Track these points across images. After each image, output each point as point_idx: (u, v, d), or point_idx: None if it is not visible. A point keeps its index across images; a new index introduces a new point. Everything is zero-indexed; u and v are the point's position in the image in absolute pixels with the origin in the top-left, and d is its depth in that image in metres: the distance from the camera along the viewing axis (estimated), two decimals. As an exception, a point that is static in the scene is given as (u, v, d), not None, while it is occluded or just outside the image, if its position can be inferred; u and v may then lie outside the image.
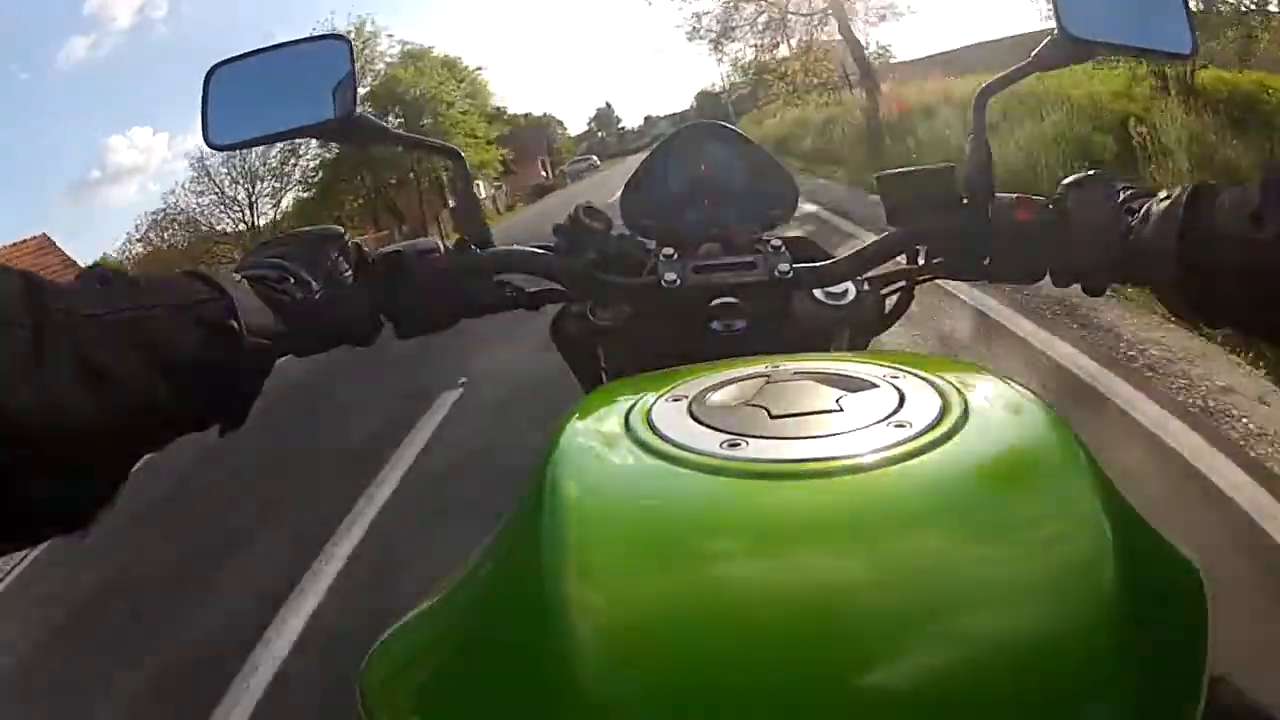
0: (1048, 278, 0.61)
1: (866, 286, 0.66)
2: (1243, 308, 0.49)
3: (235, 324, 0.46)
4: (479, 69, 27.47)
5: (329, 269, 0.56)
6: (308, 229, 0.60)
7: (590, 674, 0.29)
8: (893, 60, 16.59)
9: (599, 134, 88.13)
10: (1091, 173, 0.59)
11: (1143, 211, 0.54)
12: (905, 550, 0.31)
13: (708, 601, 0.30)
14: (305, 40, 0.72)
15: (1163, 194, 0.54)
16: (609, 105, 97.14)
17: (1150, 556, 0.37)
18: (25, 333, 0.36)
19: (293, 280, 0.53)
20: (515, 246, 0.64)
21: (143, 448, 0.42)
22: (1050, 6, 0.61)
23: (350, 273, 0.57)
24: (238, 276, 0.51)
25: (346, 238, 0.60)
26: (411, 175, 23.27)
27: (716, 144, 0.73)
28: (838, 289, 0.64)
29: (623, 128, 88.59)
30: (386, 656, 0.41)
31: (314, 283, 0.54)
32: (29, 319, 0.37)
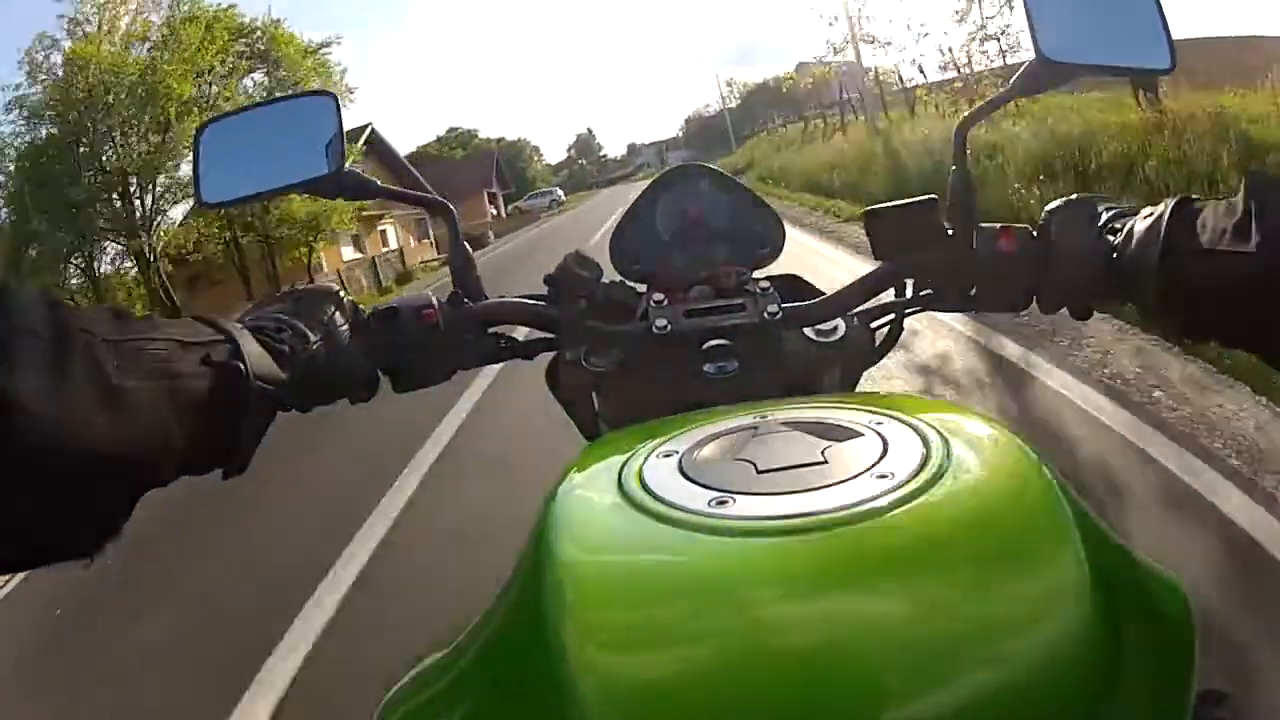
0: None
1: (855, 322, 0.66)
2: (1229, 323, 0.49)
3: (242, 366, 0.46)
4: (325, 44, 17.99)
5: (326, 325, 0.56)
6: (304, 287, 0.60)
7: None
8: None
9: (579, 161, 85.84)
10: (1074, 197, 0.60)
11: (1126, 231, 0.54)
12: (890, 602, 0.32)
13: (700, 656, 0.32)
14: (292, 96, 0.73)
15: (1146, 212, 0.54)
16: (590, 132, 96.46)
17: (1135, 584, 0.38)
18: (47, 345, 0.36)
19: (292, 333, 0.54)
20: (507, 298, 0.65)
21: (149, 481, 0.42)
22: (1028, 31, 0.61)
23: (346, 329, 0.58)
24: (239, 326, 0.52)
25: (343, 295, 0.60)
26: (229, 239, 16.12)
27: (703, 186, 0.74)
28: (827, 326, 0.65)
29: (604, 155, 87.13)
30: (401, 706, 0.43)
31: (312, 336, 0.55)
32: (50, 331, 0.37)
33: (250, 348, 0.48)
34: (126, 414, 0.39)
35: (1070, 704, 0.30)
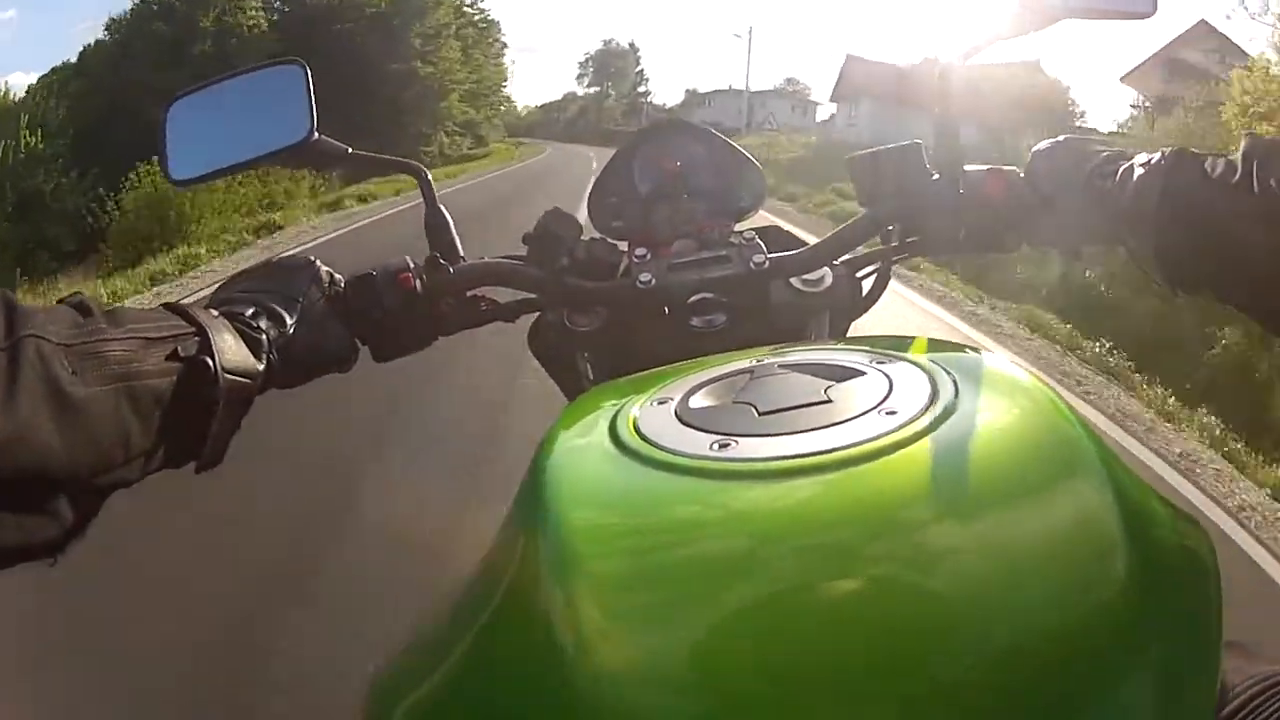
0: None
1: (843, 270, 0.65)
2: (1220, 278, 0.49)
3: (210, 361, 0.45)
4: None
5: (302, 302, 0.55)
6: (279, 259, 0.59)
7: (607, 695, 0.28)
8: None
9: (603, 87, 54.78)
10: (1062, 138, 0.59)
11: (1119, 174, 0.53)
12: (909, 540, 0.31)
13: (713, 605, 0.30)
14: (260, 67, 0.71)
15: (1142, 158, 0.53)
16: (631, 46, 57.27)
17: (1159, 525, 0.36)
18: (1, 356, 0.35)
19: (267, 316, 0.53)
20: (485, 260, 0.63)
21: (113, 483, 0.41)
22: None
23: (323, 302, 0.57)
24: (215, 312, 0.50)
25: (318, 264, 0.59)
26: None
27: (682, 140, 0.73)
28: (814, 276, 0.64)
29: (646, 93, 55.42)
30: (392, 681, 0.40)
31: (288, 316, 0.54)
32: (4, 342, 0.36)
33: (222, 339, 0.46)
34: (81, 424, 0.38)
35: (1097, 651, 0.29)
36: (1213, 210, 0.47)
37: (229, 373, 0.46)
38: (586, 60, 58.05)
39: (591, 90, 57.60)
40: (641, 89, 57.30)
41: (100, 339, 0.41)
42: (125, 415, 0.40)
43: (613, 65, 56.75)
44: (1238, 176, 0.46)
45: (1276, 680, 0.44)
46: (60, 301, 0.43)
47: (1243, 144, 0.47)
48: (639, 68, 58.04)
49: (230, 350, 0.47)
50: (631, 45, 58.10)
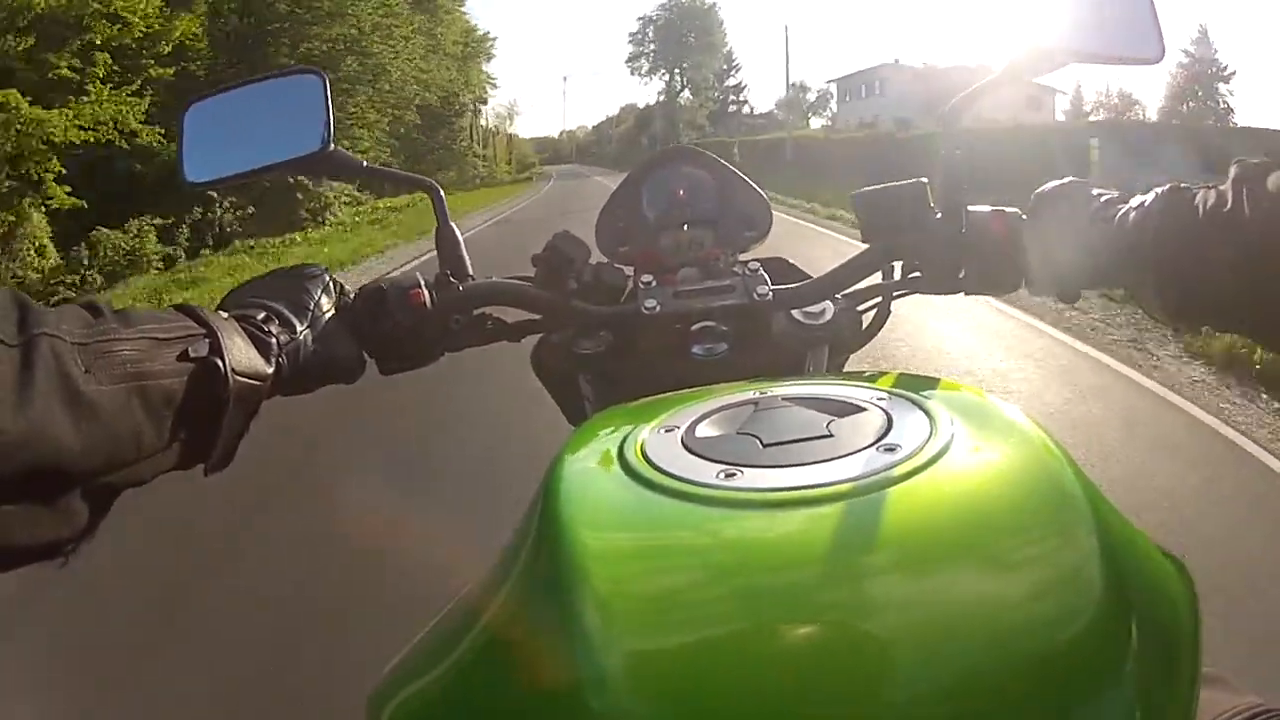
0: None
1: (844, 304, 0.67)
2: (1223, 306, 0.49)
3: (220, 362, 0.45)
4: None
5: (312, 310, 0.56)
6: (290, 267, 0.60)
7: (611, 716, 0.29)
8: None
9: (672, 76, 33.79)
10: (1065, 181, 0.60)
11: (1118, 217, 0.55)
12: (903, 573, 0.32)
13: (719, 630, 0.31)
14: (279, 74, 0.72)
15: (1137, 199, 0.54)
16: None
17: (1142, 564, 0.38)
18: (14, 353, 0.36)
19: (278, 321, 0.53)
20: (494, 279, 0.64)
21: (125, 481, 0.41)
22: (1017, 18, 0.61)
23: (332, 312, 0.58)
24: (225, 315, 0.51)
25: (327, 274, 0.60)
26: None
27: (691, 168, 0.74)
28: (815, 308, 0.65)
29: (739, 87, 33.65)
30: (390, 696, 0.41)
31: (298, 324, 0.54)
32: (18, 339, 0.36)
33: (232, 341, 0.47)
34: (95, 421, 0.38)
35: (1078, 681, 0.30)
36: (1207, 242, 0.48)
37: (238, 374, 0.46)
38: (643, 28, 33.26)
39: (652, 80, 33.78)
40: (741, 101, 33.10)
41: (112, 338, 0.41)
42: (137, 414, 0.41)
43: (686, 33, 32.55)
44: (1229, 206, 0.47)
45: (1254, 712, 0.45)
46: (74, 302, 0.43)
47: (1231, 172, 0.48)
48: (726, 44, 32.50)
49: (240, 352, 0.47)
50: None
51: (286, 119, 0.68)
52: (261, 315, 0.53)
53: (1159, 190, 0.52)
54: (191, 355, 0.44)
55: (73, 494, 0.38)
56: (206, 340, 0.46)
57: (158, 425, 0.42)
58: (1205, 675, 0.39)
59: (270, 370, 0.50)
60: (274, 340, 0.51)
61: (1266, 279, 0.46)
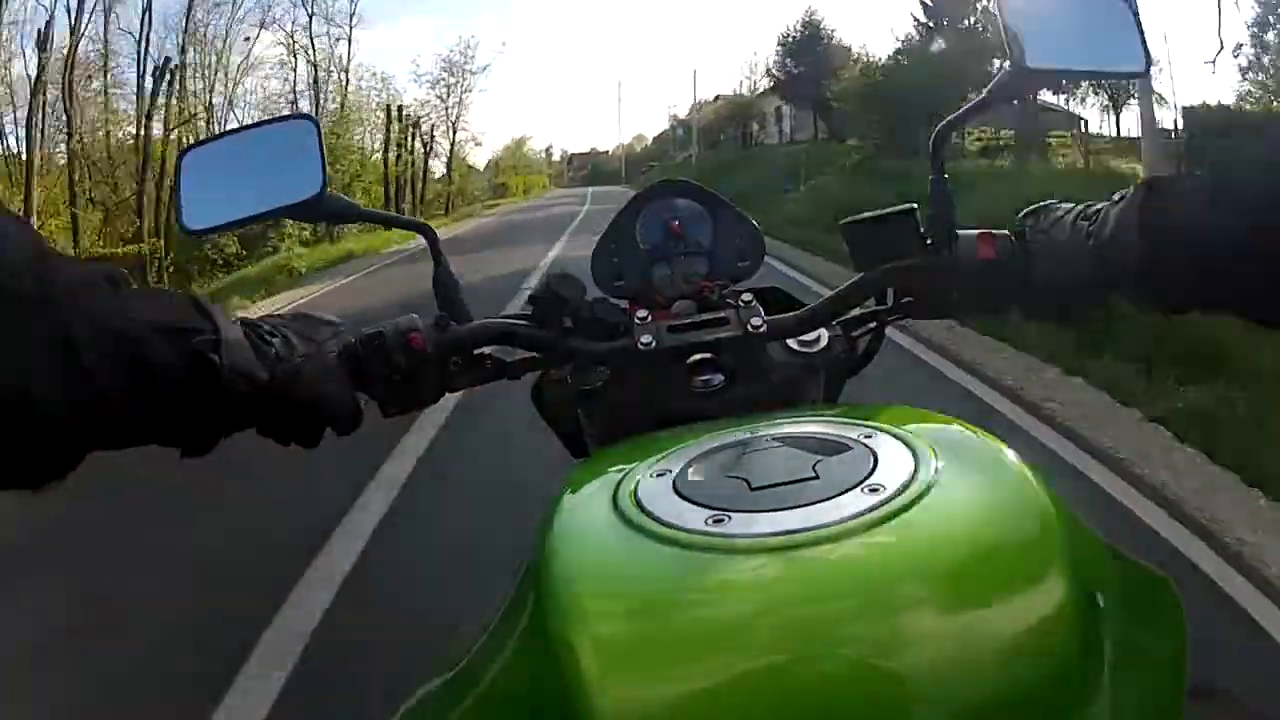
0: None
1: (838, 332, 0.67)
2: (1210, 291, 0.50)
3: (217, 359, 0.46)
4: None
5: (319, 344, 0.57)
6: (308, 312, 0.61)
7: None
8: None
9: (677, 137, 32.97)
10: (1047, 202, 0.60)
11: (1100, 219, 0.56)
12: (887, 613, 0.33)
13: (706, 674, 0.32)
14: (273, 120, 0.73)
15: (1117, 197, 0.56)
16: (813, 26, 22.91)
17: (1127, 589, 0.39)
18: (30, 300, 0.38)
19: (281, 339, 0.55)
20: (491, 320, 0.65)
21: (100, 445, 0.43)
22: (1002, 38, 0.61)
23: (336, 353, 0.58)
24: (234, 317, 0.52)
25: (341, 326, 0.60)
26: None
27: (683, 200, 0.75)
28: (810, 336, 0.66)
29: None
30: None
31: (300, 348, 0.55)
32: (36, 288, 0.38)
33: (231, 335, 0.48)
34: (88, 384, 0.40)
35: (1070, 700, 0.32)
36: (1189, 229, 0.49)
37: (231, 371, 0.47)
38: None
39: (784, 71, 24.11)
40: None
41: (122, 311, 0.43)
42: (127, 387, 0.42)
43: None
44: (1209, 192, 0.48)
45: None
46: (94, 267, 0.45)
47: (1209, 160, 0.50)
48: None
49: (237, 352, 0.48)
50: (813, 24, 24.13)
51: (281, 165, 0.69)
52: (269, 328, 0.54)
53: (1139, 185, 0.54)
54: (193, 343, 0.46)
55: (46, 441, 0.40)
56: (208, 332, 0.47)
57: (145, 402, 0.44)
58: (1199, 689, 0.40)
59: (264, 377, 0.50)
60: (273, 351, 0.53)
61: (1250, 260, 0.46)
